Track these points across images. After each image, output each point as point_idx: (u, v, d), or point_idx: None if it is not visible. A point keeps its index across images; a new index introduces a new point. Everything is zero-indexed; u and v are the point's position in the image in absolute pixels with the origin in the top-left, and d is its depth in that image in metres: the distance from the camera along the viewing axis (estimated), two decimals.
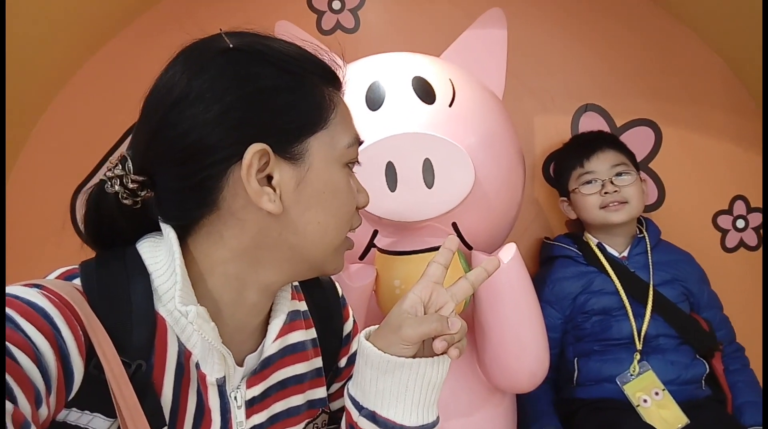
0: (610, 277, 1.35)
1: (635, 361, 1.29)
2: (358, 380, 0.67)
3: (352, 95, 1.11)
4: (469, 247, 1.15)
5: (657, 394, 1.26)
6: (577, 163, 1.40)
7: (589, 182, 1.38)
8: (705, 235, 1.59)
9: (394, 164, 1.01)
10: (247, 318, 0.66)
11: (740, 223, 1.59)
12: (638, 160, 1.48)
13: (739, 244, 1.59)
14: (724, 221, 1.60)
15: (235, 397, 0.63)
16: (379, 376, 0.64)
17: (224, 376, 0.62)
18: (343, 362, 0.78)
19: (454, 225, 1.11)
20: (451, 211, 1.05)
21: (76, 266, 0.60)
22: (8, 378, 0.44)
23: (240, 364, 0.65)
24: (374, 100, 1.11)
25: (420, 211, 1.04)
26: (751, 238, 1.59)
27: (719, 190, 1.60)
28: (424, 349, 0.65)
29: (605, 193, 1.35)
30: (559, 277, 1.38)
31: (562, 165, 1.47)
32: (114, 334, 0.55)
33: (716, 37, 1.55)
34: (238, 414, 0.63)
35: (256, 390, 0.65)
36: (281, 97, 0.59)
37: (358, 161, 0.66)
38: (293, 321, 0.71)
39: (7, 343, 0.46)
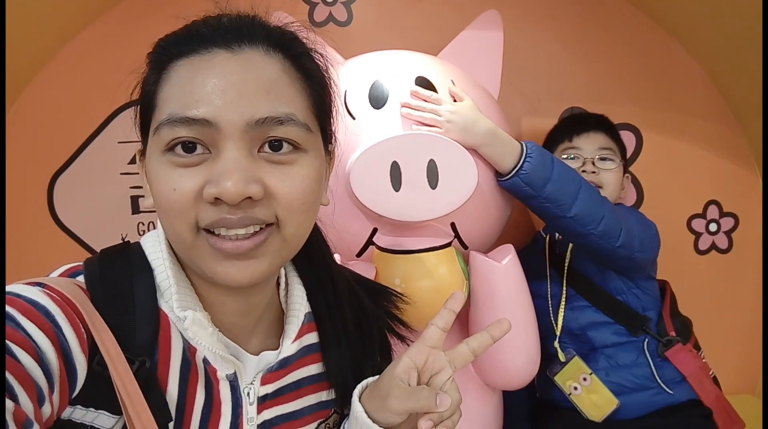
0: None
1: (559, 349, 1.29)
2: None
3: (355, 92, 1.11)
4: (465, 247, 1.16)
5: (585, 379, 1.26)
6: (566, 137, 1.40)
7: (571, 158, 1.38)
8: (679, 238, 1.66)
9: (399, 164, 1.02)
10: (247, 319, 0.65)
11: (713, 227, 1.66)
12: None
13: (711, 246, 1.67)
14: (698, 224, 1.66)
15: (248, 393, 0.63)
16: None
17: (234, 372, 0.62)
18: None
19: (453, 225, 1.12)
20: (451, 212, 1.06)
21: (80, 263, 0.60)
22: (9, 376, 0.44)
23: (251, 353, 0.64)
24: (378, 99, 1.10)
25: (423, 211, 1.04)
26: (723, 242, 1.66)
27: (694, 194, 1.66)
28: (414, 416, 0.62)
29: (583, 171, 1.34)
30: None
31: (552, 138, 1.46)
32: (117, 331, 0.54)
33: (697, 45, 1.61)
34: (249, 410, 0.63)
35: (270, 387, 0.65)
36: (141, 93, 0.59)
37: (190, 139, 0.53)
38: (309, 322, 0.71)
39: (8, 341, 0.45)
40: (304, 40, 0.61)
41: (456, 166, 1.03)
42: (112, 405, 0.53)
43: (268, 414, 0.65)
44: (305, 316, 0.70)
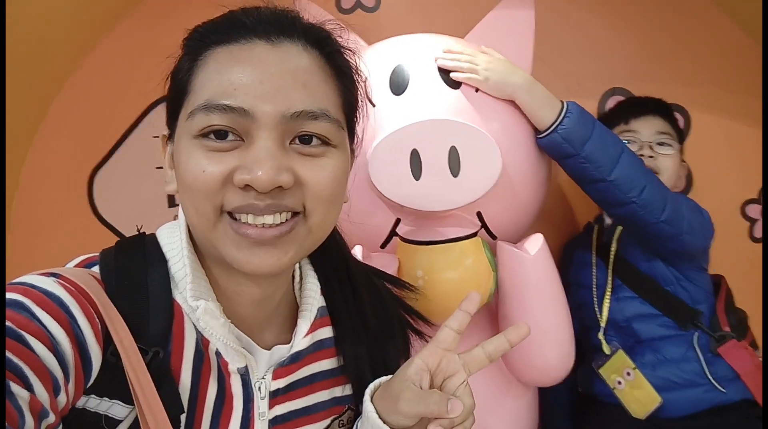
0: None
1: (603, 341, 1.24)
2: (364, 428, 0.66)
3: (376, 79, 1.08)
4: (494, 237, 1.12)
5: (629, 374, 1.21)
6: (623, 120, 1.35)
7: (628, 141, 1.31)
8: (733, 224, 1.55)
9: (419, 152, 0.98)
10: (262, 311, 0.64)
11: None
12: None
13: None
14: (753, 211, 1.55)
15: (259, 388, 0.63)
16: None
17: (246, 366, 0.62)
18: None
19: (479, 214, 1.08)
20: (476, 201, 1.02)
21: (96, 254, 0.60)
22: (24, 367, 0.44)
23: (264, 348, 0.64)
24: (398, 85, 1.07)
25: (445, 200, 1.01)
26: None
27: (749, 178, 1.55)
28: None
29: (641, 155, 1.27)
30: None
31: (606, 120, 1.38)
32: (131, 321, 0.55)
33: (749, 18, 1.49)
34: (261, 404, 0.63)
35: (282, 382, 0.64)
36: (173, 78, 0.60)
37: (224, 128, 0.54)
38: (323, 316, 0.70)
39: (23, 332, 0.46)
40: (339, 39, 0.62)
41: (479, 152, 0.99)
42: (126, 395, 0.53)
43: (280, 409, 0.64)
44: (318, 310, 0.69)
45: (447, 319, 0.65)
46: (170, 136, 0.60)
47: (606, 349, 1.24)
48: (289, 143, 0.55)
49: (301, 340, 0.65)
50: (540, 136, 1.09)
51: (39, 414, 0.43)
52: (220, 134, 0.54)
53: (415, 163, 0.99)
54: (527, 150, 1.11)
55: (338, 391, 0.70)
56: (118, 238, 0.60)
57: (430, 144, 0.98)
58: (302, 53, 0.57)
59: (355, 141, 0.67)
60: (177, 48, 0.60)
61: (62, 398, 0.48)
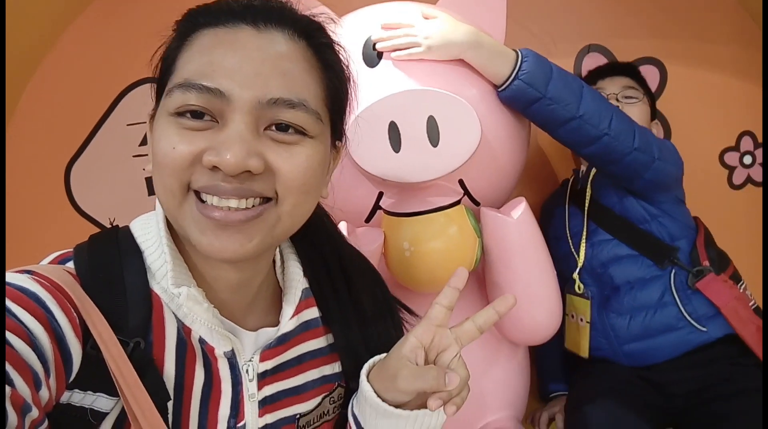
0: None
1: (578, 280, 1.27)
2: (360, 409, 0.67)
3: (349, 52, 1.06)
4: (477, 204, 1.12)
5: (582, 320, 1.26)
6: (591, 82, 1.37)
7: None
8: (712, 173, 1.58)
9: (396, 124, 0.98)
10: (241, 296, 0.65)
11: (747, 160, 1.57)
12: None
13: (747, 180, 1.58)
14: (731, 158, 1.57)
15: (247, 370, 0.63)
16: (377, 417, 0.63)
17: (232, 349, 0.62)
18: None
19: (461, 182, 1.08)
20: (457, 169, 1.02)
21: (70, 250, 0.60)
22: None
23: (253, 330, 0.64)
24: (371, 57, 1.05)
25: (426, 171, 1.01)
26: (758, 174, 1.57)
27: (726, 126, 1.57)
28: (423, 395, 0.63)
29: None
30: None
31: None
32: (109, 314, 0.55)
33: None
34: (249, 386, 0.63)
35: (269, 364, 0.65)
36: (162, 59, 0.59)
37: (200, 109, 0.53)
38: (307, 298, 0.71)
39: None
40: (330, 33, 0.62)
41: (457, 120, 0.98)
42: (110, 387, 0.53)
43: (269, 390, 0.65)
44: (302, 292, 0.69)
45: (437, 296, 0.66)
46: (154, 115, 0.60)
47: (578, 288, 1.26)
48: (265, 130, 0.55)
49: (287, 323, 0.66)
50: (501, 88, 1.06)
51: (21, 408, 0.43)
52: (197, 114, 0.53)
53: (394, 135, 0.98)
54: (505, 113, 1.11)
55: (328, 370, 0.71)
56: (99, 230, 0.60)
57: (407, 115, 0.98)
58: (288, 42, 0.56)
59: (342, 139, 0.67)
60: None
61: (44, 393, 0.47)
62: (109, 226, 0.68)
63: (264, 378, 0.64)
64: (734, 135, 1.56)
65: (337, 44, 0.63)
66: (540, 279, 1.08)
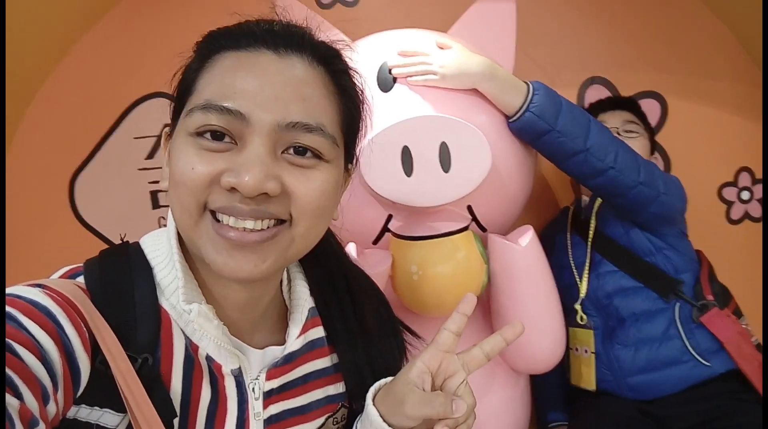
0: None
1: (580, 310, 1.26)
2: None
3: (364, 78, 1.08)
4: (484, 230, 1.13)
5: (586, 351, 1.26)
6: (593, 115, 1.33)
7: None
8: (710, 208, 1.60)
9: (409, 148, 0.99)
10: (249, 314, 0.65)
11: (745, 195, 1.59)
12: None
13: (744, 216, 1.60)
14: (730, 193, 1.60)
15: (253, 389, 0.63)
16: None
17: (239, 367, 0.62)
18: None
19: (469, 208, 1.09)
20: (467, 195, 1.03)
21: (80, 265, 0.60)
22: (13, 375, 0.44)
23: (260, 348, 0.65)
24: (386, 81, 1.07)
25: (437, 196, 1.02)
26: (756, 210, 1.59)
27: (725, 162, 1.59)
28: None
29: None
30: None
31: None
32: (118, 329, 0.55)
33: (724, 6, 1.53)
34: (255, 405, 0.64)
35: (275, 382, 0.65)
36: (182, 78, 0.61)
37: (220, 130, 0.54)
38: (314, 317, 0.71)
39: (10, 341, 0.46)
40: (347, 59, 0.63)
41: (469, 147, 1.00)
42: (117, 403, 0.53)
43: (275, 409, 0.65)
44: (309, 311, 0.70)
45: (446, 322, 0.66)
46: (171, 134, 0.61)
47: (581, 318, 1.26)
48: (282, 153, 0.55)
49: (294, 342, 0.66)
50: (512, 119, 1.08)
51: (29, 422, 0.43)
52: (216, 135, 0.54)
53: (406, 159, 1.00)
54: (514, 141, 1.13)
55: (332, 390, 0.71)
56: (102, 242, 0.61)
57: (420, 140, 0.99)
58: (307, 67, 0.58)
59: (354, 162, 0.68)
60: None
61: (52, 407, 0.47)
62: (119, 240, 0.69)
63: (269, 397, 0.65)
64: (733, 170, 1.59)
65: (353, 70, 0.64)
66: (546, 307, 1.09)
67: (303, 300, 0.69)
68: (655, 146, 1.43)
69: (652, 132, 1.43)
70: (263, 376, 0.64)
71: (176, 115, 0.60)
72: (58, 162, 1.57)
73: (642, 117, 1.41)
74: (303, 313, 0.68)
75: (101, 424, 0.54)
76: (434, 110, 1.03)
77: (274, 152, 0.55)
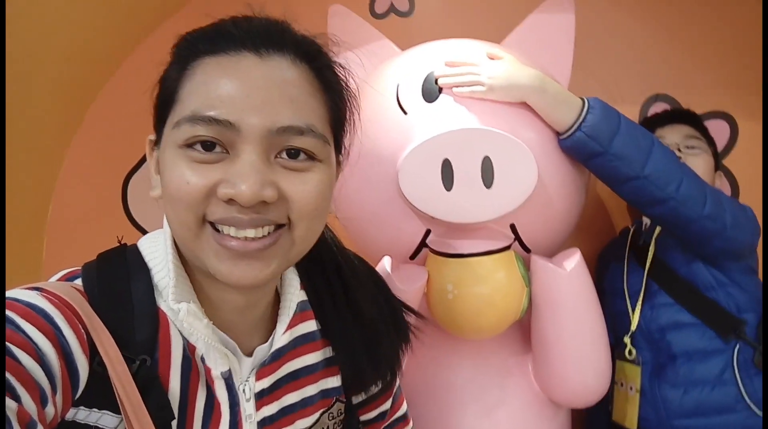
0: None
1: (629, 344, 1.17)
2: None
3: (408, 85, 1.06)
4: (528, 251, 1.08)
5: (631, 389, 1.17)
6: (649, 130, 1.26)
7: None
8: None
9: (450, 161, 0.95)
10: (247, 317, 0.64)
11: None
12: None
13: None
14: None
15: (244, 390, 0.63)
16: None
17: (229, 370, 0.62)
18: None
19: (512, 226, 1.04)
20: (510, 213, 0.98)
21: (78, 268, 0.61)
22: (11, 378, 0.44)
23: (249, 354, 0.64)
24: (431, 91, 1.04)
25: (477, 212, 0.97)
26: None
27: None
28: None
29: None
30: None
31: None
32: (116, 331, 0.55)
33: None
34: (247, 407, 0.63)
35: (266, 382, 0.64)
36: (162, 85, 0.60)
37: (210, 139, 0.53)
38: (303, 311, 0.70)
39: (8, 344, 0.46)
40: (329, 53, 0.62)
41: (513, 162, 0.95)
42: (115, 405, 0.53)
43: (268, 410, 0.65)
44: (298, 305, 0.69)
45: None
46: (156, 142, 0.60)
47: (629, 352, 1.17)
48: (275, 157, 0.55)
49: (280, 338, 0.65)
50: (562, 137, 1.02)
51: (27, 425, 0.43)
52: (207, 145, 0.54)
53: (447, 173, 0.96)
54: (563, 159, 1.07)
55: (326, 384, 0.70)
56: None
57: (462, 153, 0.95)
58: (291, 67, 0.57)
59: (343, 153, 0.67)
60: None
61: (50, 410, 0.47)
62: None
63: (262, 398, 0.64)
64: None
65: (336, 64, 0.63)
66: (590, 338, 1.02)
67: (292, 293, 0.68)
68: (719, 164, 1.33)
69: (715, 148, 1.33)
70: (253, 377, 0.64)
71: (159, 123, 0.59)
72: (114, 164, 1.62)
73: (704, 131, 1.32)
74: (291, 308, 0.67)
75: (100, 426, 0.54)
76: (479, 123, 0.98)
77: (267, 158, 0.54)
